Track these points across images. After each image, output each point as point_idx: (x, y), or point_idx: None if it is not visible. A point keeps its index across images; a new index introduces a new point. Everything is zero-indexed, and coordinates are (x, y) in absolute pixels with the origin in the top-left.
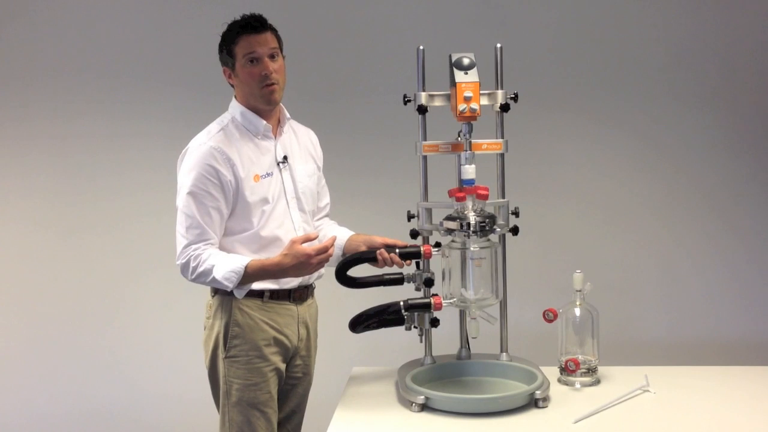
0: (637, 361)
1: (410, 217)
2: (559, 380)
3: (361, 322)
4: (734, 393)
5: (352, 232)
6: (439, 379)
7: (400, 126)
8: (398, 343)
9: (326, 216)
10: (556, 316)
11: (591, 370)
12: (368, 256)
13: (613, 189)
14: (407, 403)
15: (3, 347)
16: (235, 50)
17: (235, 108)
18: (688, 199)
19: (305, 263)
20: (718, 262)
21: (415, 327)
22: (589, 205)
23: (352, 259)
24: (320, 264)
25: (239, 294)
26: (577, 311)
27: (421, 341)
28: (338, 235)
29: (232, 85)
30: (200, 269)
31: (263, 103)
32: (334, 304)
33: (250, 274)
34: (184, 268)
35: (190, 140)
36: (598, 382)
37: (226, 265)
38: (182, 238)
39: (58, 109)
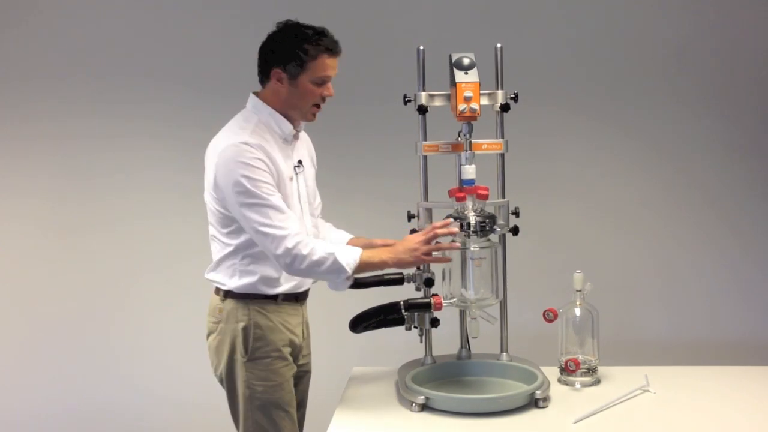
0: (637, 361)
1: (410, 217)
2: (559, 380)
3: (361, 322)
4: (734, 393)
5: (350, 236)
6: (439, 379)
7: (400, 126)
8: (398, 343)
9: (319, 216)
10: (556, 316)
11: (591, 370)
12: None
13: (613, 189)
14: (407, 403)
15: (3, 348)
16: (311, 65)
17: (262, 108)
18: (688, 199)
19: (420, 254)
20: (718, 262)
21: (415, 327)
22: (589, 205)
23: None
24: (426, 258)
25: (341, 287)
26: (577, 311)
27: (421, 341)
28: (337, 238)
29: (263, 80)
30: (315, 257)
31: (302, 118)
32: (334, 304)
33: (360, 265)
34: (295, 258)
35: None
36: (598, 382)
37: (346, 251)
38: (278, 230)
39: (58, 109)
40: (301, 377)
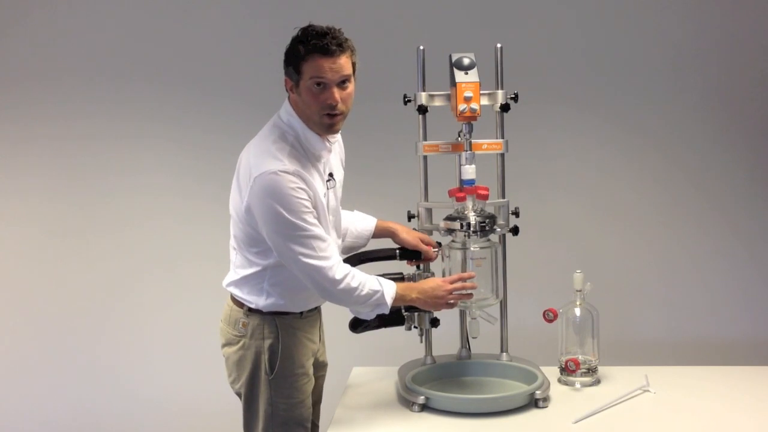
0: (637, 361)
1: (410, 217)
2: (559, 380)
3: (361, 322)
4: (734, 393)
5: (375, 219)
6: (439, 379)
7: (400, 126)
8: (398, 343)
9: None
10: (556, 316)
11: (591, 370)
12: (370, 256)
13: (614, 189)
14: (407, 403)
15: (3, 350)
16: (303, 67)
17: (296, 122)
18: (689, 199)
19: (444, 302)
20: (719, 261)
21: (415, 327)
22: (589, 206)
23: (353, 258)
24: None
25: (369, 317)
26: (577, 311)
27: (421, 341)
28: (364, 225)
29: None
30: (364, 291)
31: (321, 130)
32: (334, 304)
33: (395, 301)
34: (346, 289)
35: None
36: (598, 382)
37: (389, 287)
38: (324, 260)
39: (60, 110)
40: (319, 372)
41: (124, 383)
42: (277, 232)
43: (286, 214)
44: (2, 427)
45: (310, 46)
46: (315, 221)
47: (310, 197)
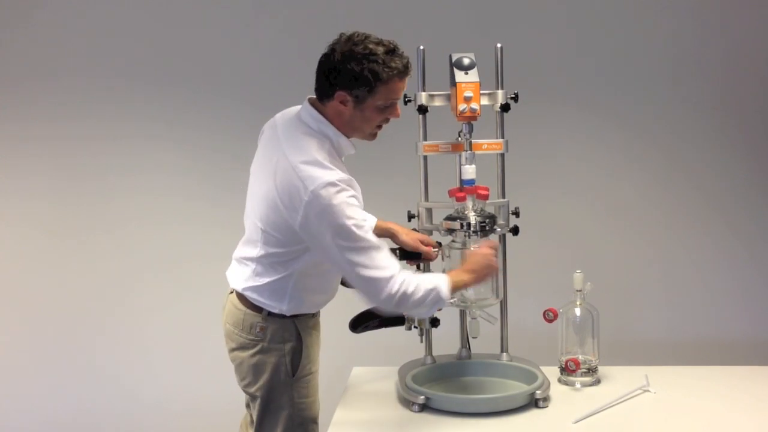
0: (637, 361)
1: (410, 217)
2: (559, 380)
3: (361, 322)
4: (735, 393)
5: (374, 218)
6: (439, 379)
7: (400, 126)
8: (398, 343)
9: None
10: (556, 316)
11: (591, 370)
12: None
13: (614, 189)
14: (407, 403)
15: (2, 351)
16: (380, 89)
17: (327, 128)
18: (689, 199)
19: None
20: (719, 261)
21: (415, 327)
22: (589, 205)
23: None
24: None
25: (429, 314)
26: (578, 311)
27: (421, 341)
28: None
29: (323, 97)
30: (418, 296)
31: (363, 138)
32: (334, 304)
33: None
34: (402, 298)
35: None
36: (598, 382)
37: (442, 281)
38: (382, 270)
39: (58, 110)
40: None
41: (124, 383)
42: (339, 244)
43: (350, 227)
44: (2, 427)
45: (393, 71)
46: (370, 230)
47: (360, 204)
